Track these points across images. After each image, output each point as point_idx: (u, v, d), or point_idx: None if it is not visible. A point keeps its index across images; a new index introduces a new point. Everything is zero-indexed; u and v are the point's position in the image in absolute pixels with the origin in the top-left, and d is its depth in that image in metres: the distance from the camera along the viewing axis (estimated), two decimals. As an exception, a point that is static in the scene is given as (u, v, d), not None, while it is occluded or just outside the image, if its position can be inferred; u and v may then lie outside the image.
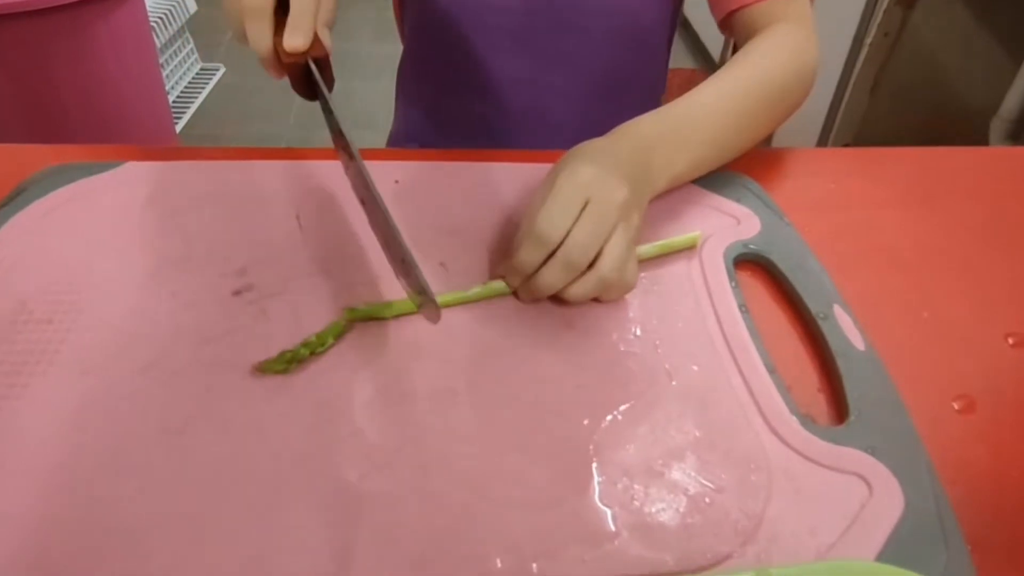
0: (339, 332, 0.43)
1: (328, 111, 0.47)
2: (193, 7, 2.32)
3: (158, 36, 2.16)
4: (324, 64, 0.47)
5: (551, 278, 0.45)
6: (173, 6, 2.25)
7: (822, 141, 1.94)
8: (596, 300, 0.47)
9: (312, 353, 0.41)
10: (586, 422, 0.40)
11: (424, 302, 0.40)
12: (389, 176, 0.56)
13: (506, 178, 0.57)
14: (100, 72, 1.59)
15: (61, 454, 0.37)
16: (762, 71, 0.60)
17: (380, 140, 0.91)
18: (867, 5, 1.72)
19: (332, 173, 0.56)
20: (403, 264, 0.41)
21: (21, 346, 0.42)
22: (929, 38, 1.75)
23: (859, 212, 0.58)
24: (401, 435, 0.38)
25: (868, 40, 1.74)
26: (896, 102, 1.84)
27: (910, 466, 0.38)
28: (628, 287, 0.47)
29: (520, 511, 0.35)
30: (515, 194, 0.55)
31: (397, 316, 0.44)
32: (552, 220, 0.44)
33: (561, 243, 0.44)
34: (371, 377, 0.41)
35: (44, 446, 0.37)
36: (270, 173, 0.56)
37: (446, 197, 0.54)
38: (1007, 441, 0.41)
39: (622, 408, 0.40)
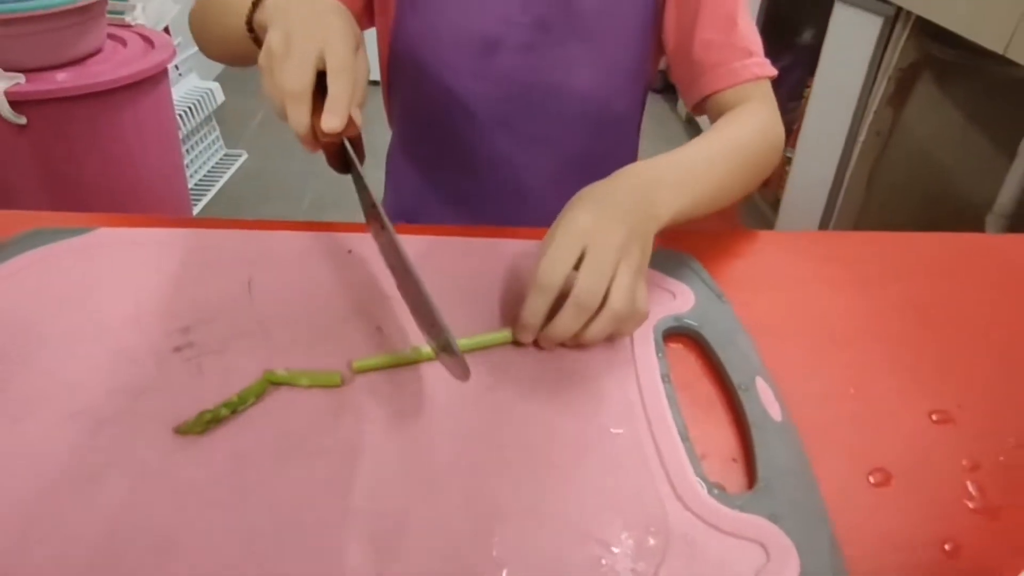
0: (259, 392, 0.44)
1: (361, 184, 0.51)
2: (221, 97, 2.45)
3: (186, 123, 2.28)
4: (356, 141, 0.51)
5: (567, 323, 0.48)
6: (202, 96, 2.38)
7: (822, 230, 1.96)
8: (609, 338, 0.50)
9: (232, 412, 0.43)
10: (514, 471, 0.40)
11: (453, 361, 0.43)
12: (344, 246, 0.59)
13: (477, 250, 0.60)
14: (122, 153, 1.67)
15: (-19, 496, 0.38)
16: (739, 136, 0.66)
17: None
18: (858, 105, 1.78)
19: (289, 243, 0.59)
20: (432, 328, 0.44)
21: (-35, 394, 0.44)
22: (922, 135, 1.79)
23: (801, 291, 0.59)
24: (305, 490, 0.39)
25: (860, 138, 1.79)
26: (893, 195, 1.87)
27: (811, 535, 0.38)
28: (642, 317, 0.50)
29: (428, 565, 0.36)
30: (481, 264, 0.58)
31: (311, 386, 0.46)
32: (551, 269, 0.48)
33: (570, 290, 0.47)
34: (284, 436, 0.43)
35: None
36: (228, 240, 0.59)
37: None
38: (917, 515, 0.41)
39: (545, 462, 0.41)
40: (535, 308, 0.48)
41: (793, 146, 2.14)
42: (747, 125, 0.68)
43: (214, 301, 0.52)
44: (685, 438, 0.43)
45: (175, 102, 1.99)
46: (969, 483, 0.43)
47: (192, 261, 0.57)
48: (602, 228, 0.49)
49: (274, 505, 0.38)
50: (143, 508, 0.38)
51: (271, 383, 0.45)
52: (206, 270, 0.56)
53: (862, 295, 0.59)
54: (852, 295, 0.59)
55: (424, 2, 0.73)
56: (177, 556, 0.36)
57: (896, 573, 0.38)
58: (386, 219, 0.48)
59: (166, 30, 2.14)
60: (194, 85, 2.41)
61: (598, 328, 0.48)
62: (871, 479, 0.43)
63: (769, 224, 2.27)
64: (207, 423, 0.42)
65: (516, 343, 0.51)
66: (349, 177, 0.53)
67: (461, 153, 0.80)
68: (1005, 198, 1.63)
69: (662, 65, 0.83)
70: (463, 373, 0.43)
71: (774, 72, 0.73)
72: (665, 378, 0.48)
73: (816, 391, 0.49)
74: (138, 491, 0.39)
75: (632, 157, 0.87)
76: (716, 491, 0.40)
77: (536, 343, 0.50)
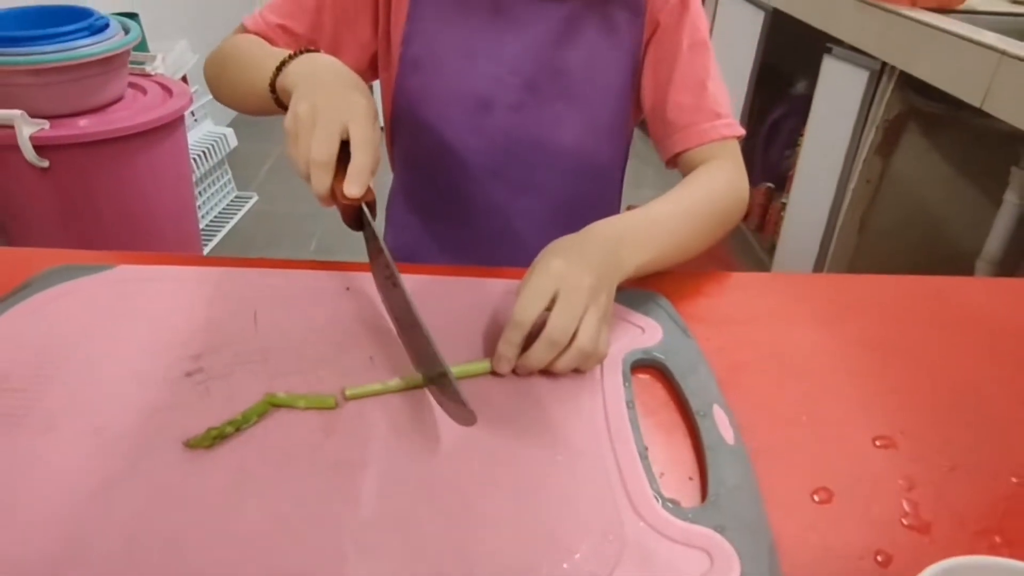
0: (261, 413, 0.49)
1: (375, 243, 0.57)
2: (234, 142, 2.54)
3: (199, 166, 2.35)
4: (371, 204, 0.58)
5: (540, 355, 0.53)
6: (216, 140, 2.47)
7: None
8: (576, 371, 0.55)
9: (236, 430, 0.48)
10: (490, 486, 0.45)
11: (460, 412, 0.47)
12: (342, 283, 0.64)
13: (466, 288, 0.66)
14: (138, 195, 1.73)
15: (4, 497, 0.43)
16: (706, 192, 0.72)
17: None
18: (848, 154, 1.83)
19: (292, 280, 0.65)
20: (440, 377, 0.49)
21: (-3, 411, 0.49)
22: (911, 183, 1.84)
23: (762, 327, 0.64)
24: (300, 499, 0.44)
25: (851, 185, 1.84)
26: (885, 240, 1.91)
27: (753, 545, 0.42)
28: (602, 357, 0.56)
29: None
30: (469, 300, 0.64)
31: (308, 408, 0.51)
32: (526, 308, 0.53)
33: (544, 326, 0.53)
34: (282, 451, 0.47)
35: (-1, 494, 0.43)
36: (237, 277, 0.65)
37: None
38: (854, 529, 0.45)
39: (519, 477, 0.46)
40: (510, 340, 0.53)
41: (788, 192, 2.20)
42: (713, 182, 0.74)
43: (222, 331, 0.57)
44: (644, 457, 0.48)
45: (190, 146, 2.07)
46: (904, 501, 0.47)
47: (203, 296, 0.62)
48: (573, 274, 0.55)
49: (272, 512, 0.43)
50: (155, 512, 0.43)
51: (272, 404, 0.50)
52: (216, 304, 0.61)
53: (819, 332, 0.64)
54: (809, 331, 0.64)
55: (424, 64, 0.79)
56: (184, 556, 0.40)
57: (829, 579, 0.42)
58: (398, 274, 0.54)
59: (184, 78, 2.23)
60: (208, 130, 2.50)
61: (565, 362, 0.54)
62: (815, 497, 0.48)
63: (766, 268, 2.32)
64: (214, 439, 0.47)
65: (495, 373, 0.55)
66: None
67: (457, 200, 0.86)
68: (993, 244, 1.67)
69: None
70: (469, 420, 0.47)
71: (741, 132, 0.79)
72: (630, 404, 0.52)
73: (771, 417, 0.54)
74: (151, 497, 0.43)
75: (616, 202, 0.93)
76: (670, 505, 0.45)
77: (514, 371, 0.55)
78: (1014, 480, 0.50)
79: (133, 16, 2.01)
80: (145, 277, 0.64)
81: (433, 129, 0.82)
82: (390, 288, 0.57)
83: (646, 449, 0.49)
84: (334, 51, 0.78)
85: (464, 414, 0.47)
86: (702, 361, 0.57)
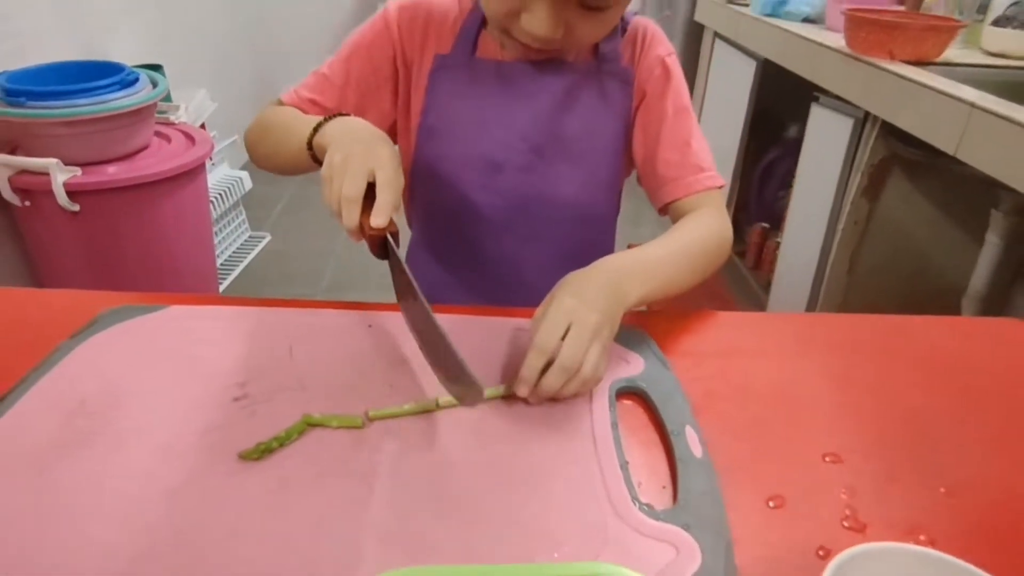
0: (300, 431, 0.58)
1: (399, 266, 0.66)
2: (249, 184, 2.65)
3: (217, 207, 2.46)
4: (394, 235, 0.67)
5: (553, 381, 0.62)
6: (233, 183, 2.58)
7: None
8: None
9: (280, 445, 0.57)
10: (493, 490, 0.54)
11: (469, 391, 0.58)
12: (365, 321, 0.73)
13: (481, 325, 0.75)
14: (161, 236, 1.83)
15: (86, 505, 0.51)
16: (694, 236, 0.82)
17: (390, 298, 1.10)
18: (836, 196, 1.92)
19: (323, 318, 0.74)
20: (450, 363, 0.59)
21: (75, 429, 0.58)
22: (898, 224, 1.90)
23: (734, 360, 0.73)
24: (333, 502, 0.53)
25: (840, 226, 1.93)
26: (875, 279, 1.98)
27: (712, 540, 0.51)
28: (598, 381, 0.65)
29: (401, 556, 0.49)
30: (483, 336, 0.73)
31: (339, 427, 0.60)
32: (547, 337, 0.62)
33: (556, 355, 0.62)
34: (317, 463, 0.56)
35: (74, 497, 0.52)
36: (274, 315, 0.74)
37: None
38: (801, 530, 0.54)
39: (518, 484, 0.55)
40: (533, 365, 0.62)
41: (782, 231, 2.28)
42: (699, 228, 0.84)
43: (264, 363, 0.67)
44: (625, 469, 0.56)
45: (208, 188, 2.18)
46: (846, 507, 0.56)
47: (246, 332, 0.71)
48: (583, 310, 0.64)
49: (310, 512, 0.52)
50: (212, 512, 0.51)
51: (308, 424, 0.59)
52: (257, 339, 0.70)
53: (781, 364, 0.73)
54: (773, 364, 0.73)
55: (440, 132, 0.90)
56: (236, 550, 0.49)
57: (779, 570, 0.51)
58: (420, 291, 0.63)
59: (203, 125, 2.35)
60: (225, 173, 2.61)
61: (571, 387, 0.63)
62: (770, 503, 0.56)
63: (762, 304, 2.40)
64: (262, 452, 0.55)
65: (504, 398, 0.64)
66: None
67: (471, 249, 0.96)
68: (977, 282, 1.75)
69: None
70: (476, 397, 0.57)
71: (722, 182, 0.89)
72: (614, 425, 0.61)
73: (736, 437, 0.62)
74: (208, 500, 0.52)
75: (611, 245, 1.02)
76: (645, 508, 0.53)
77: (525, 400, 0.64)
78: (942, 490, 0.58)
79: (158, 67, 2.13)
80: (195, 316, 0.73)
81: (449, 188, 0.92)
82: (410, 301, 0.66)
83: (627, 463, 0.57)
84: None
85: (473, 392, 0.57)
86: (678, 389, 0.66)
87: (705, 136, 0.91)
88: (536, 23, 0.74)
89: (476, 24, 0.88)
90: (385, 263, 0.68)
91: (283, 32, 3.88)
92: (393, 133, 0.95)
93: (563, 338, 0.63)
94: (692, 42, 3.22)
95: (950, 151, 1.47)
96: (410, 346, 0.69)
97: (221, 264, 2.53)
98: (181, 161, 1.80)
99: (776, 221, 2.43)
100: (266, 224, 2.93)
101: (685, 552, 0.50)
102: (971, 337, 0.81)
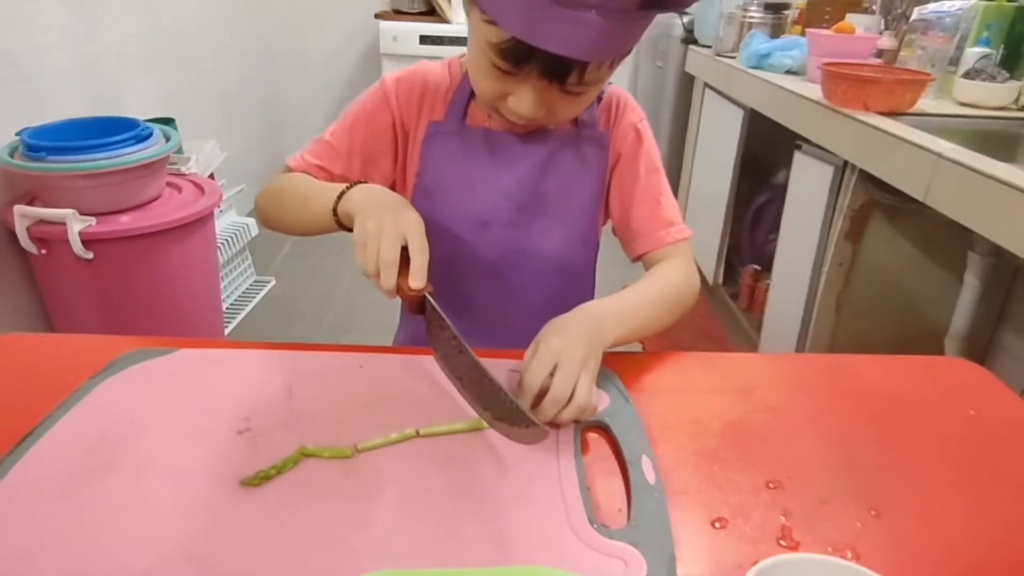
0: (296, 461, 0.66)
1: (440, 321, 0.73)
2: (255, 231, 2.75)
3: (223, 253, 2.55)
4: (431, 294, 0.74)
5: (547, 411, 0.70)
6: (239, 230, 2.67)
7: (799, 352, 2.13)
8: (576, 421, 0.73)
9: (278, 472, 0.64)
10: (466, 510, 0.60)
11: (532, 433, 0.66)
12: (357, 363, 0.81)
13: None
14: (170, 282, 1.91)
15: (107, 525, 0.58)
16: (665, 284, 0.92)
17: (386, 340, 1.17)
18: (820, 239, 1.99)
19: (318, 360, 0.81)
20: (509, 411, 0.66)
21: (96, 460, 0.65)
22: (881, 266, 1.96)
23: (689, 396, 0.80)
24: (325, 521, 0.59)
25: (825, 269, 1.99)
26: (860, 319, 2.04)
27: (658, 555, 0.57)
28: (595, 408, 0.73)
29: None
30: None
31: (330, 457, 0.67)
32: (534, 376, 0.71)
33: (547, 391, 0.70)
34: (311, 488, 0.63)
35: (95, 519, 0.59)
36: (275, 357, 0.82)
37: (410, 379, 0.79)
38: (741, 548, 0.60)
39: (488, 504, 0.61)
40: (526, 399, 0.71)
41: (771, 273, 2.35)
42: (668, 276, 0.94)
43: (265, 401, 0.74)
44: (584, 493, 0.63)
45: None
46: (782, 528, 0.62)
47: (250, 373, 0.79)
48: (568, 348, 0.73)
49: (304, 531, 0.58)
50: (218, 531, 0.58)
51: (304, 454, 0.66)
52: (260, 379, 0.78)
53: (732, 400, 0.80)
54: (725, 400, 0.80)
55: (434, 192, 0.98)
56: (239, 564, 0.56)
57: (717, 582, 0.57)
58: (464, 344, 0.70)
59: (211, 176, 2.46)
60: (232, 220, 2.71)
61: (567, 415, 0.71)
62: (715, 524, 0.63)
63: (754, 345, 2.46)
64: (262, 479, 0.63)
65: (480, 430, 0.71)
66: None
67: (462, 299, 1.03)
68: (959, 321, 1.81)
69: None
70: (540, 436, 0.65)
71: (690, 234, 0.98)
72: (576, 454, 0.68)
73: (688, 465, 0.69)
74: (215, 521, 0.59)
75: (591, 294, 1.10)
76: (600, 528, 0.60)
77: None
78: (872, 513, 0.64)
79: (170, 121, 2.24)
80: (204, 358, 0.81)
81: (441, 243, 0.99)
82: (456, 354, 0.73)
83: (587, 488, 0.64)
84: None
85: (536, 433, 0.65)
86: (637, 422, 0.73)
87: (697, 180, 1.01)
88: (522, 105, 0.83)
89: (466, 95, 0.97)
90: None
91: (289, 84, 4.03)
92: (392, 189, 1.04)
93: (552, 375, 0.71)
94: (684, 91, 3.33)
95: (920, 197, 1.54)
96: (398, 386, 0.76)
97: (227, 307, 2.61)
98: (191, 210, 1.88)
99: (767, 263, 2.50)
100: (271, 268, 3.02)
101: (633, 566, 0.56)
102: (907, 372, 0.88)
